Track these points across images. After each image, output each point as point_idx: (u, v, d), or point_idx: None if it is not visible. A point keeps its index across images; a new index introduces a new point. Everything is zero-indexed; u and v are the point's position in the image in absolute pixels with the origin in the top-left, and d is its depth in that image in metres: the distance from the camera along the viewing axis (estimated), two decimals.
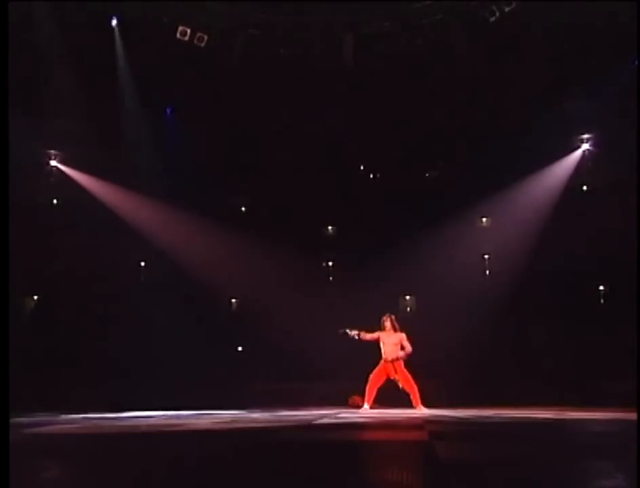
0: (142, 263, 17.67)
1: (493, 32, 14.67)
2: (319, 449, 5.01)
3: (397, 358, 11.48)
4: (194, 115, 16.85)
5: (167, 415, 9.70)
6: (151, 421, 8.78)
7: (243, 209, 18.74)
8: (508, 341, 15.21)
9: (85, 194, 16.65)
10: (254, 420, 8.73)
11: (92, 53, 14.90)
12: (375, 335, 11.67)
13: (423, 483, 3.53)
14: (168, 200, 16.58)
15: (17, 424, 7.60)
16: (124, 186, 16.67)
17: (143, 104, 16.07)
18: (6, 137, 5.71)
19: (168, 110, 17.31)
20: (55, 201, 17.31)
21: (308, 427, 7.46)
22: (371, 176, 18.72)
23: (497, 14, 14.24)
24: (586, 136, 16.61)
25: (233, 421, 8.53)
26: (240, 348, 17.18)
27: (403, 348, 11.50)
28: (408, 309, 17.28)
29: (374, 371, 11.56)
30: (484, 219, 17.72)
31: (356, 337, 11.64)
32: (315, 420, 8.40)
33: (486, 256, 17.34)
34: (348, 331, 11.71)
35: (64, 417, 9.99)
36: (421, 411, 10.94)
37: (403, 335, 11.62)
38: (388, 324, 11.70)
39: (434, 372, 13.24)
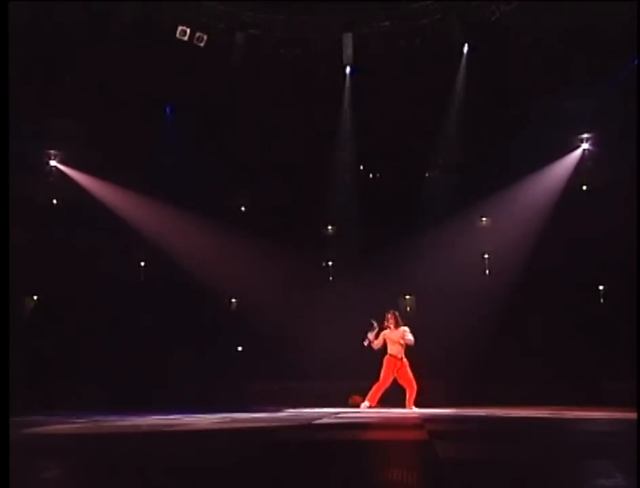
0: (142, 263, 17.67)
1: (493, 32, 14.66)
2: (319, 449, 5.01)
3: (402, 357, 11.54)
4: (194, 115, 16.85)
5: (167, 415, 9.69)
6: (151, 421, 8.77)
7: (243, 209, 18.73)
8: (508, 341, 15.20)
9: (85, 194, 16.65)
10: (254, 420, 8.73)
11: (93, 52, 14.89)
12: (381, 339, 11.70)
13: (423, 483, 3.53)
14: (168, 200, 16.57)
15: (17, 424, 7.59)
16: (124, 186, 16.67)
17: (143, 104, 16.06)
18: (6, 137, 5.71)
19: (168, 110, 17.29)
20: (55, 201, 17.31)
21: (308, 427, 7.46)
22: (371, 176, 18.71)
23: (497, 14, 14.24)
24: (585, 136, 16.60)
25: (233, 421, 8.53)
26: (240, 348, 17.18)
27: (405, 343, 11.59)
28: (408, 309, 17.26)
29: (383, 375, 11.57)
30: (484, 219, 17.71)
31: (371, 342, 11.60)
32: (315, 420, 8.40)
33: (486, 256, 17.34)
34: (374, 324, 11.61)
35: (63, 417, 9.99)
36: (412, 411, 11.01)
37: (405, 329, 11.68)
38: (392, 322, 11.74)
39: (434, 372, 13.24)
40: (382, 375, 11.58)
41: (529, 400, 12.19)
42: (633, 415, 7.57)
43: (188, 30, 14.50)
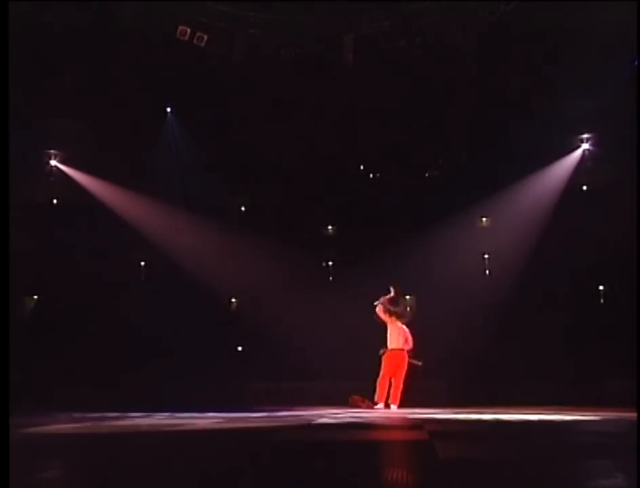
0: (142, 263, 17.67)
1: (493, 32, 14.65)
2: (319, 449, 5.01)
3: (402, 350, 11.53)
4: (194, 115, 16.85)
5: (168, 415, 9.69)
6: (151, 421, 8.77)
7: (243, 208, 18.73)
8: (508, 341, 15.20)
9: (85, 194, 16.65)
10: (254, 420, 8.73)
11: (93, 52, 14.88)
12: (387, 317, 11.67)
13: (423, 483, 3.53)
14: (168, 200, 16.58)
15: (17, 424, 7.59)
16: (124, 186, 16.67)
17: (143, 104, 16.06)
18: (6, 137, 5.71)
19: (168, 110, 17.29)
20: (55, 201, 17.30)
21: (308, 427, 7.46)
22: (371, 176, 18.71)
23: (497, 14, 14.23)
24: (586, 136, 16.60)
25: (233, 421, 8.53)
26: (240, 348, 17.18)
27: (405, 340, 11.57)
28: (408, 309, 17.24)
29: (383, 370, 11.55)
30: (484, 219, 17.71)
31: (387, 299, 11.71)
32: (315, 420, 8.40)
33: (486, 256, 17.34)
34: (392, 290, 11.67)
35: (63, 417, 9.99)
36: (393, 409, 11.07)
37: (405, 329, 11.70)
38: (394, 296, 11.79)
39: (433, 372, 13.24)
40: (382, 370, 11.55)
41: (529, 400, 12.18)
42: (633, 415, 7.57)
43: (188, 30, 14.49)
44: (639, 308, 12.11)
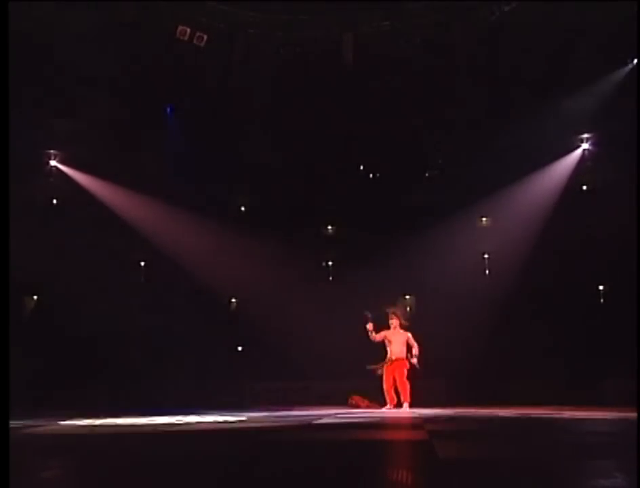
0: (142, 263, 17.67)
1: (493, 32, 14.64)
2: (319, 449, 5.01)
3: (403, 358, 11.51)
4: (194, 114, 16.85)
5: (168, 416, 9.69)
6: (151, 421, 8.77)
7: (243, 208, 18.74)
8: (508, 340, 15.20)
9: (85, 194, 16.65)
10: (254, 420, 8.74)
11: (93, 52, 14.88)
12: (382, 334, 11.69)
13: (423, 482, 3.53)
14: (168, 200, 16.57)
15: (17, 424, 7.59)
16: (124, 186, 16.66)
17: (143, 104, 16.06)
18: (6, 137, 5.71)
19: (168, 110, 17.30)
20: (55, 201, 17.30)
21: (308, 427, 7.47)
22: (371, 176, 18.72)
23: (497, 13, 14.22)
24: (585, 136, 16.61)
25: (233, 421, 8.53)
26: (240, 348, 17.19)
27: (410, 347, 11.56)
28: (408, 309, 17.26)
29: (384, 377, 11.55)
30: (484, 219, 17.72)
31: (370, 332, 11.59)
32: (315, 420, 8.40)
33: (486, 256, 17.34)
34: (370, 316, 11.59)
35: (63, 417, 9.99)
36: (404, 409, 11.09)
37: (409, 335, 11.68)
38: (394, 322, 11.72)
39: (433, 372, 13.23)
40: (384, 381, 11.55)
41: (529, 399, 12.19)
42: (633, 415, 7.57)
43: (188, 30, 14.48)
44: (639, 308, 12.11)
